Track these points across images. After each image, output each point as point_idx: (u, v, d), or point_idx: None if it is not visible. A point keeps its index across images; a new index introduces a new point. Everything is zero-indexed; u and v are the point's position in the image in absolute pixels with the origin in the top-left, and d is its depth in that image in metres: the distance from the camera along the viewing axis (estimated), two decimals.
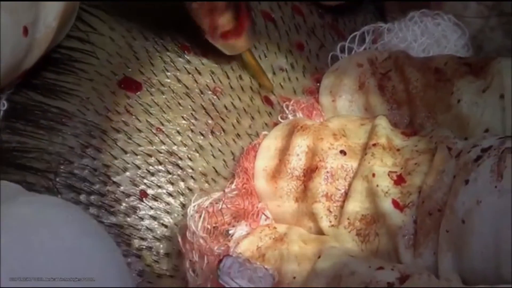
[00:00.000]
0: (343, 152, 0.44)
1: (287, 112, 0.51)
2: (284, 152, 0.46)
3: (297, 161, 0.45)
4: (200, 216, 0.43)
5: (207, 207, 0.43)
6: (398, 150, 0.43)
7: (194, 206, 0.43)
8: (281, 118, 0.51)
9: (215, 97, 0.51)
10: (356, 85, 0.51)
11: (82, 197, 0.46)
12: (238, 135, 0.50)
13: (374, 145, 0.43)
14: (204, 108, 0.50)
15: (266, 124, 0.51)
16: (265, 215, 0.45)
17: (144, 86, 0.49)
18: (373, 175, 0.41)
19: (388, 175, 0.41)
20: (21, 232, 0.34)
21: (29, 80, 0.49)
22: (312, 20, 0.59)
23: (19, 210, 0.36)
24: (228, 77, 0.51)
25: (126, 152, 0.47)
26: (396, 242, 0.39)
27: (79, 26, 0.51)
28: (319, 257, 0.39)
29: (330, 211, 0.43)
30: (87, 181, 0.46)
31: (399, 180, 0.41)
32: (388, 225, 0.40)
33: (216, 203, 0.43)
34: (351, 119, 0.48)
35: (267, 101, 0.52)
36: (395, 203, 0.40)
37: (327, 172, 0.44)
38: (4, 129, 0.48)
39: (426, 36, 0.56)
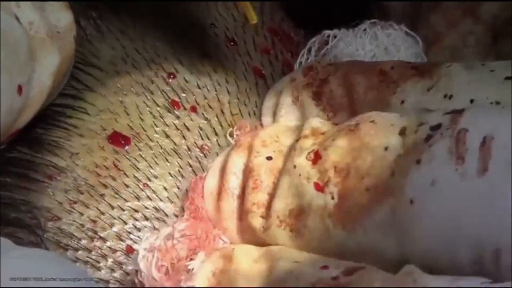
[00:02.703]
0: (269, 158, 0.44)
1: (230, 140, 0.51)
2: (223, 172, 0.45)
3: (235, 179, 0.45)
4: (153, 256, 0.41)
5: (159, 245, 0.42)
6: (322, 133, 0.42)
7: (144, 248, 0.42)
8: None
9: (202, 155, 0.51)
10: (290, 100, 0.51)
11: (69, 253, 0.46)
12: None
13: (297, 140, 0.43)
14: (191, 166, 0.50)
15: None
16: (223, 240, 0.44)
17: (132, 141, 0.50)
18: (294, 166, 0.41)
19: (306, 158, 0.40)
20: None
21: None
22: None
23: (16, 264, 0.36)
24: (216, 134, 0.52)
25: (113, 208, 0.47)
26: (325, 224, 0.39)
27: (73, 84, 0.52)
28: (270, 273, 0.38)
29: (263, 217, 0.42)
30: (74, 237, 0.46)
31: (316, 158, 0.40)
32: (314, 210, 0.39)
33: (168, 239, 0.42)
34: (286, 125, 0.47)
35: None
36: (317, 186, 0.39)
37: (255, 180, 0.43)
38: None
39: (374, 44, 0.56)
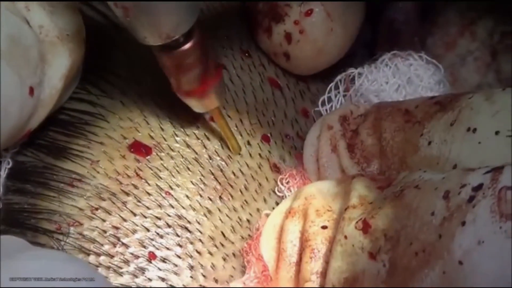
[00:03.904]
0: (324, 227, 0.45)
1: (282, 187, 0.52)
2: (280, 240, 0.47)
3: (292, 247, 0.46)
4: None
5: None
6: (370, 203, 0.43)
7: None
8: (278, 191, 0.53)
9: (223, 163, 0.52)
10: (329, 149, 0.53)
11: (91, 258, 0.46)
12: (245, 201, 0.51)
13: (346, 209, 0.43)
14: (213, 174, 0.51)
15: (273, 191, 0.53)
16: None
17: (154, 151, 0.50)
18: (345, 237, 0.42)
19: (355, 227, 0.42)
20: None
21: (36, 140, 0.50)
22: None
23: (29, 264, 0.36)
24: None
25: (135, 215, 0.48)
26: None
27: (90, 89, 0.53)
28: None
29: (320, 285, 0.43)
30: (96, 242, 0.47)
31: (365, 226, 0.41)
32: (367, 278, 0.40)
33: None
34: (330, 189, 0.48)
35: (275, 168, 0.54)
36: (370, 255, 0.40)
37: (312, 249, 0.44)
38: (13, 191, 0.49)
39: (397, 77, 0.58)
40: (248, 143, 0.54)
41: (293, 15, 0.58)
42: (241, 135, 0.53)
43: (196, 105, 0.50)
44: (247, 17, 0.62)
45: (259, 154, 0.53)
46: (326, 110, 0.60)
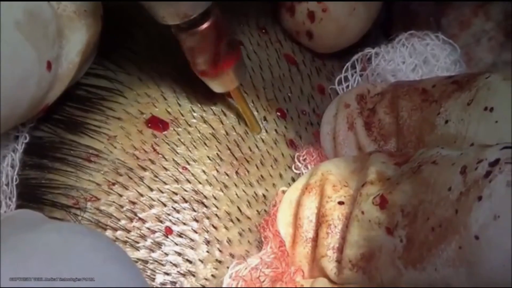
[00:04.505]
0: (340, 203, 0.45)
1: (299, 164, 0.52)
2: (296, 216, 0.47)
3: (308, 223, 0.46)
4: (238, 284, 0.44)
5: (244, 276, 0.44)
6: (388, 179, 0.43)
7: (231, 274, 0.44)
8: (295, 168, 0.53)
9: (240, 138, 0.52)
10: (346, 127, 0.53)
11: (108, 233, 0.47)
12: (261, 176, 0.51)
13: (363, 185, 0.44)
14: (229, 149, 0.51)
15: (288, 166, 0.52)
16: (303, 272, 0.46)
17: (171, 126, 0.50)
18: (362, 212, 0.42)
19: (373, 203, 0.42)
20: (51, 259, 0.35)
21: (53, 116, 0.50)
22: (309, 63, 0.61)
23: (48, 236, 0.36)
24: None
25: (152, 190, 0.48)
26: (396, 266, 0.40)
27: (107, 65, 0.53)
28: None
29: (336, 261, 0.44)
30: (113, 217, 0.47)
31: (382, 202, 0.41)
32: (384, 253, 0.41)
33: (254, 270, 0.44)
34: (347, 166, 0.48)
35: (291, 144, 0.54)
36: (387, 230, 0.41)
37: (329, 224, 0.44)
38: (30, 166, 0.49)
39: (414, 57, 0.57)
40: (265, 118, 0.54)
41: None
42: (257, 111, 0.53)
43: (214, 85, 0.50)
44: None
45: (275, 130, 0.53)
46: (343, 89, 0.60)
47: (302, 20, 0.59)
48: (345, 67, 0.60)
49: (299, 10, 0.59)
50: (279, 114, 0.54)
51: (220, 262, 0.47)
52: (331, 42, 0.60)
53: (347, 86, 0.60)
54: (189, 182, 0.49)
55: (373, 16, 0.61)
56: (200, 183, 0.49)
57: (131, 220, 0.47)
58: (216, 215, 0.48)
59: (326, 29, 0.59)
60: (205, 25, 0.46)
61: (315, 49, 0.61)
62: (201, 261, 0.47)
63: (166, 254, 0.47)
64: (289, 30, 0.61)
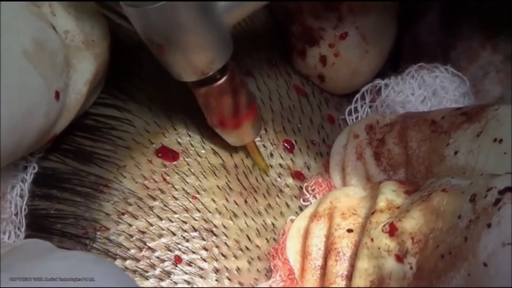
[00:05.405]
0: (349, 230, 0.45)
1: (307, 194, 0.52)
2: (305, 244, 0.47)
3: (317, 251, 0.46)
4: None
5: None
6: (398, 207, 0.43)
7: None
8: (303, 200, 0.52)
9: (248, 170, 0.52)
10: (355, 157, 0.53)
11: (118, 262, 0.46)
12: (269, 205, 0.51)
13: (373, 213, 0.44)
14: (238, 179, 0.51)
15: (295, 196, 0.52)
16: None
17: (181, 156, 0.51)
18: (372, 240, 0.42)
19: (382, 230, 0.42)
20: (59, 285, 0.34)
21: (62, 145, 0.50)
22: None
23: (56, 264, 0.36)
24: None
25: (161, 219, 0.48)
26: None
27: (116, 94, 0.53)
28: None
29: None
30: (123, 247, 0.47)
31: (392, 229, 0.41)
32: (394, 280, 0.40)
33: None
34: (359, 197, 0.48)
35: (298, 175, 0.53)
36: (397, 258, 0.40)
37: (338, 252, 0.44)
38: (39, 196, 0.49)
39: (423, 89, 0.58)
40: (271, 154, 0.53)
41: (328, 39, 0.58)
42: (264, 146, 0.53)
43: (231, 138, 0.51)
44: (279, 39, 0.62)
45: (280, 164, 0.53)
46: (352, 119, 0.60)
47: (314, 64, 0.60)
48: (355, 98, 0.60)
49: (310, 54, 0.59)
50: (286, 145, 0.54)
51: None
52: (344, 84, 0.61)
53: (357, 117, 0.60)
54: (199, 211, 0.49)
55: (386, 56, 0.61)
56: (209, 212, 0.49)
57: (140, 249, 0.47)
58: (226, 243, 0.48)
59: (338, 73, 0.59)
60: (221, 81, 0.46)
61: (328, 91, 0.61)
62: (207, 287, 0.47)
63: (176, 283, 0.46)
64: (300, 73, 0.61)
